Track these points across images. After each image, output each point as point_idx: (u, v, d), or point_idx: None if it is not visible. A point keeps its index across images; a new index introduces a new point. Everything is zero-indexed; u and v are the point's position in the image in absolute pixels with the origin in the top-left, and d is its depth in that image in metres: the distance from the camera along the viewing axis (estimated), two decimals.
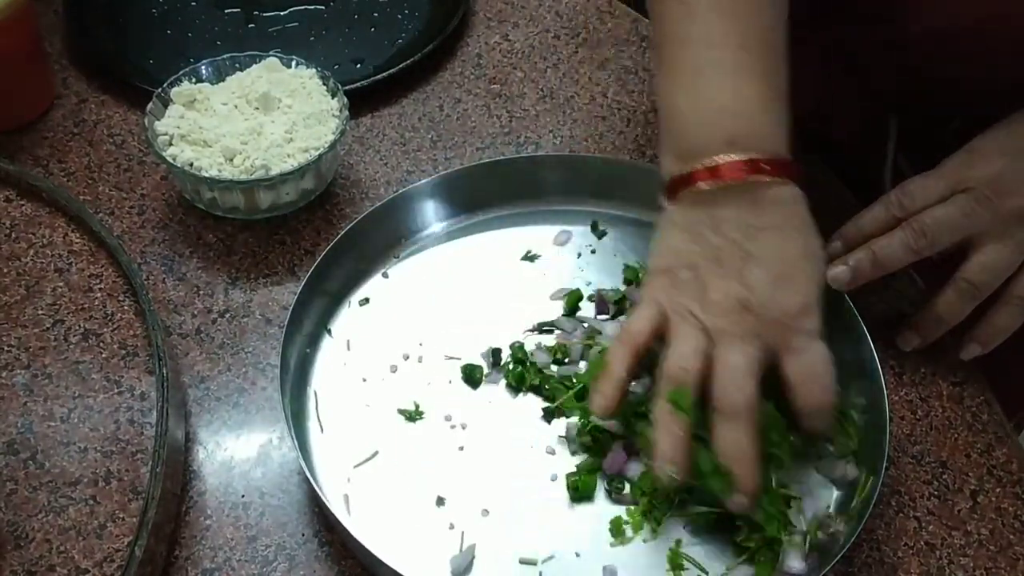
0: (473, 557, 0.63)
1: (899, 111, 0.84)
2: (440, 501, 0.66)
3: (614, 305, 0.75)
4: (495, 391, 0.72)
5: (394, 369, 0.72)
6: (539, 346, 0.73)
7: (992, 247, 0.69)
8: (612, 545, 0.65)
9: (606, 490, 0.67)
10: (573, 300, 0.75)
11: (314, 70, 0.84)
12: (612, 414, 0.65)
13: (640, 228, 0.80)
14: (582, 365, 0.72)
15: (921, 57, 0.75)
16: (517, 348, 0.72)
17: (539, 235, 0.81)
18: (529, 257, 0.79)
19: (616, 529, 0.65)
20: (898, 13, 0.73)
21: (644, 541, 0.65)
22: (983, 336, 0.72)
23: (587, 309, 0.76)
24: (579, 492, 0.66)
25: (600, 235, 0.80)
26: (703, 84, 0.66)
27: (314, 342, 0.73)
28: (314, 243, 0.81)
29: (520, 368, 0.71)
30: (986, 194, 0.68)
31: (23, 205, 0.82)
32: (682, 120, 0.66)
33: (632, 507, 0.66)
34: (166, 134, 0.79)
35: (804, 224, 0.64)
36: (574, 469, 0.67)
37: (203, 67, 0.84)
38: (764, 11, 0.66)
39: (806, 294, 0.63)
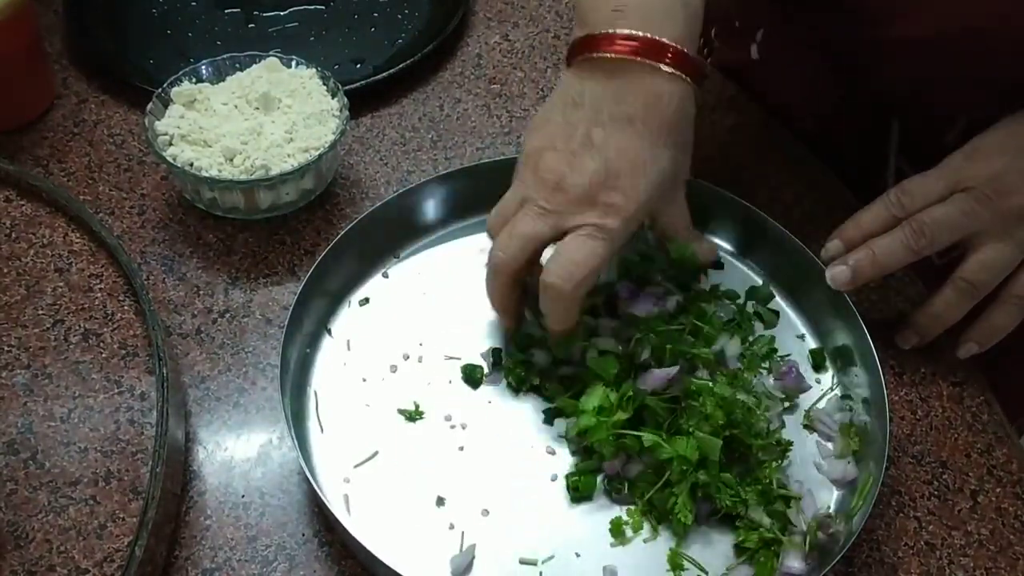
0: (473, 557, 0.64)
1: (900, 114, 0.84)
2: (440, 501, 0.66)
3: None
4: (495, 391, 0.72)
5: (394, 369, 0.72)
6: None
7: (991, 246, 0.69)
8: (612, 545, 0.65)
9: (606, 490, 0.67)
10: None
11: (314, 70, 0.84)
12: (508, 312, 0.70)
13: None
14: None
15: (922, 58, 0.75)
16: (518, 349, 0.72)
17: None
18: None
19: (616, 529, 0.65)
20: (899, 14, 0.73)
21: (644, 541, 0.65)
22: (980, 335, 0.72)
23: None
24: (579, 492, 0.66)
25: None
26: None
27: (314, 342, 0.73)
28: (314, 243, 0.81)
29: (520, 368, 0.71)
30: (986, 193, 0.68)
31: (23, 205, 0.82)
32: None
33: (632, 507, 0.66)
34: (166, 134, 0.79)
35: (662, 127, 0.63)
36: (573, 469, 0.67)
37: (203, 67, 0.84)
38: None
39: (620, 197, 0.63)
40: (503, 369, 0.72)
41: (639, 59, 0.62)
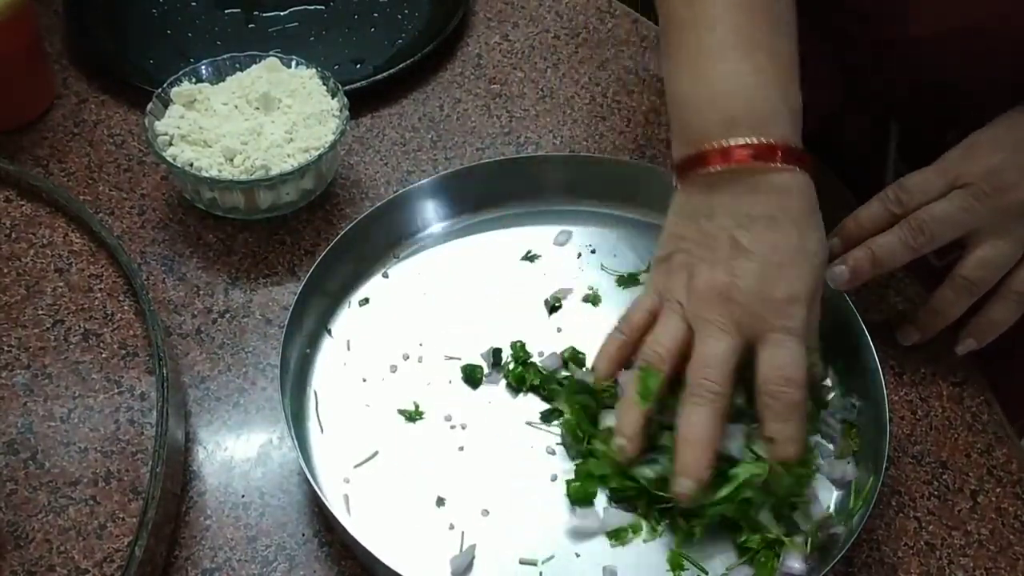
0: (473, 557, 0.63)
1: (900, 115, 0.84)
2: (440, 501, 0.66)
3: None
4: (495, 391, 0.72)
5: (394, 369, 0.72)
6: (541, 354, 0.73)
7: (990, 243, 0.69)
8: (612, 545, 0.65)
9: (607, 496, 0.66)
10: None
11: (314, 70, 0.84)
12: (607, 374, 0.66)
13: (641, 228, 0.80)
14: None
15: (921, 59, 0.75)
16: (519, 348, 0.72)
17: (539, 235, 0.81)
18: (529, 257, 0.79)
19: (616, 529, 0.65)
20: (898, 15, 0.73)
21: (644, 541, 0.65)
22: (979, 331, 0.72)
23: (584, 310, 0.76)
24: (579, 498, 0.66)
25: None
26: (704, 67, 0.65)
27: (314, 342, 0.73)
28: (314, 243, 0.81)
29: (520, 368, 0.71)
30: (984, 189, 0.68)
31: (23, 205, 0.82)
32: (683, 104, 0.66)
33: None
34: (166, 134, 0.79)
35: (803, 216, 0.63)
36: (573, 473, 0.67)
37: (203, 67, 0.84)
38: None
39: (791, 289, 0.62)
40: (503, 369, 0.72)
41: (757, 164, 0.62)
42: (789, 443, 0.61)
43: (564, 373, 0.72)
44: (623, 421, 0.64)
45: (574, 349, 0.72)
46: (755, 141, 0.62)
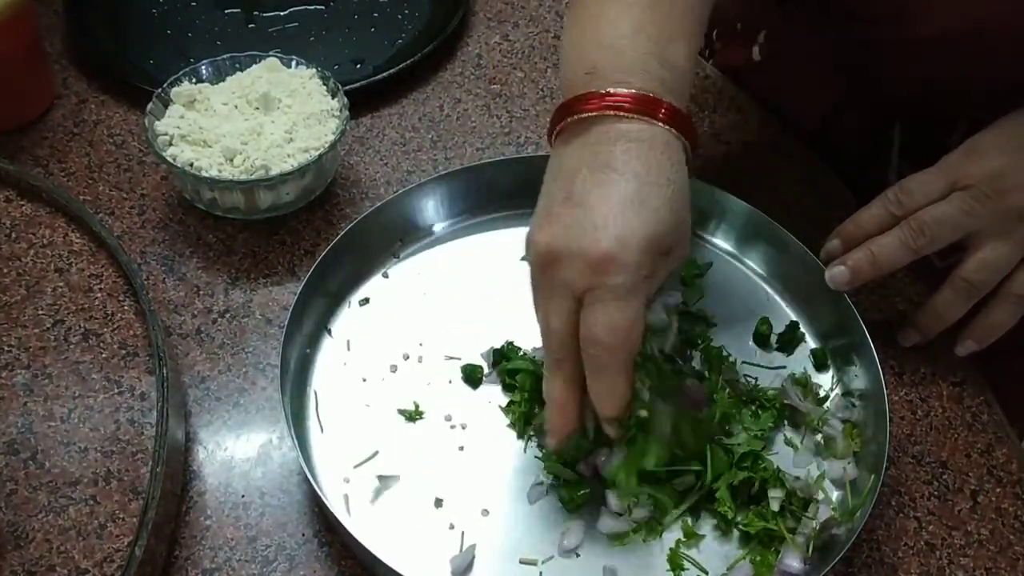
0: (473, 557, 0.63)
1: (902, 115, 0.84)
2: (440, 501, 0.66)
3: None
4: (495, 391, 0.72)
5: (394, 369, 0.72)
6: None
7: (991, 245, 0.69)
8: (612, 545, 0.65)
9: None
10: None
11: (314, 70, 0.84)
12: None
13: None
14: None
15: (923, 60, 0.75)
16: (508, 347, 0.72)
17: None
18: None
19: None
20: (901, 16, 0.73)
21: (644, 541, 0.65)
22: (979, 332, 0.72)
23: None
24: (573, 502, 0.66)
25: None
26: (583, 21, 0.62)
27: (314, 342, 0.73)
28: (314, 243, 0.81)
29: (508, 364, 0.71)
30: (985, 192, 0.68)
31: (23, 205, 0.82)
32: (562, 61, 0.64)
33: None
34: (166, 134, 0.79)
35: (650, 168, 0.57)
36: (560, 483, 0.67)
37: (203, 67, 0.84)
38: None
39: (613, 243, 0.56)
40: (502, 371, 0.72)
41: (607, 112, 0.58)
42: (603, 399, 0.59)
43: None
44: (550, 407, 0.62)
45: None
46: (609, 90, 0.59)
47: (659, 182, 0.58)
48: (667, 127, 0.59)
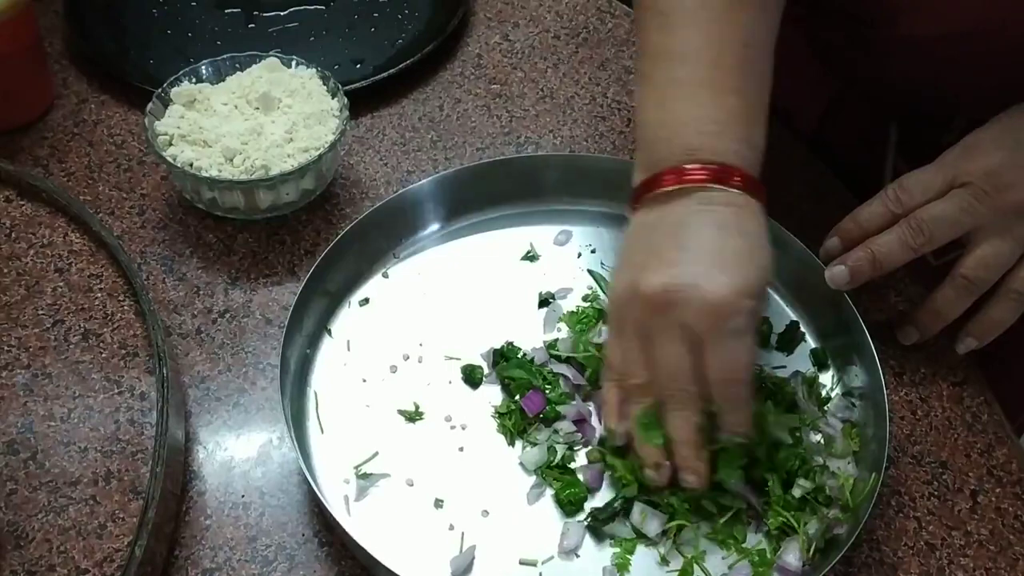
0: (473, 558, 0.63)
1: (899, 114, 0.84)
2: (440, 502, 0.66)
3: None
4: (495, 391, 0.72)
5: (394, 369, 0.72)
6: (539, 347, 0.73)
7: (990, 242, 0.69)
8: (612, 545, 0.65)
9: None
10: None
11: (314, 70, 0.84)
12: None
13: None
14: None
15: (920, 59, 0.75)
16: (508, 348, 0.72)
17: (539, 235, 0.81)
18: (529, 257, 0.79)
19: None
20: (898, 16, 0.73)
21: (645, 545, 0.65)
22: (979, 330, 0.72)
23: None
24: (572, 506, 0.66)
25: None
26: (671, 99, 0.65)
27: (314, 342, 0.73)
28: (314, 243, 0.81)
29: (506, 364, 0.71)
30: (984, 189, 0.68)
31: (23, 205, 0.82)
32: (649, 133, 0.66)
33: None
34: (166, 134, 0.79)
35: (752, 231, 0.62)
36: (559, 486, 0.67)
37: (203, 67, 0.84)
38: (742, 27, 0.65)
39: (735, 286, 0.59)
40: (501, 373, 0.72)
41: (711, 183, 0.62)
42: (741, 425, 0.63)
43: (555, 369, 0.71)
44: (643, 455, 0.65)
45: (556, 341, 0.73)
46: (713, 164, 0.62)
47: (760, 243, 0.62)
48: (756, 198, 0.63)
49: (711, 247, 0.61)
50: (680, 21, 0.65)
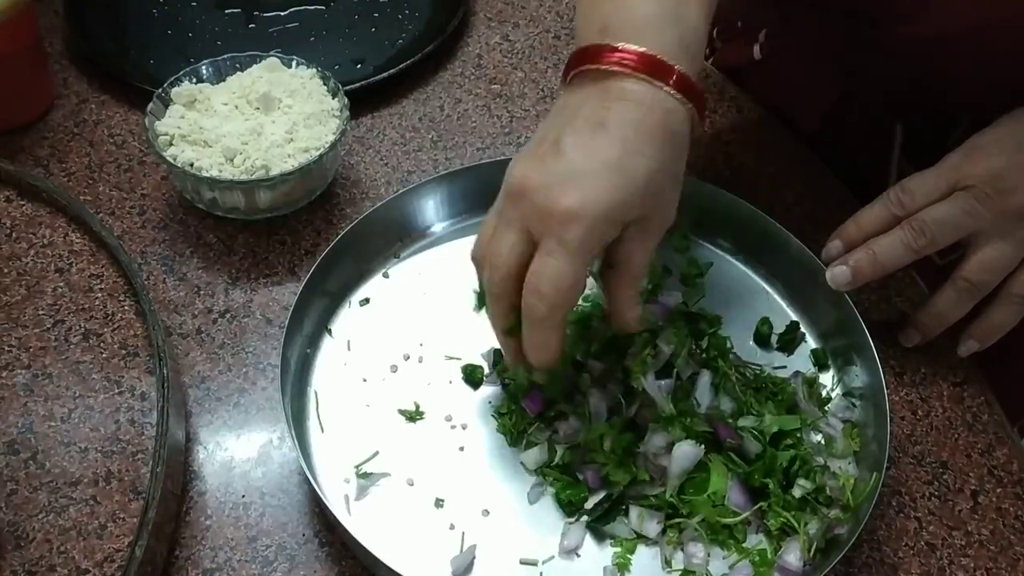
0: (474, 558, 0.63)
1: (903, 115, 0.84)
2: (440, 502, 0.66)
3: None
4: (495, 391, 0.72)
5: (394, 369, 0.72)
6: None
7: (992, 245, 0.69)
8: (612, 545, 0.65)
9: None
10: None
11: (314, 70, 0.84)
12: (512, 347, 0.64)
13: None
14: None
15: (924, 59, 0.75)
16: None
17: None
18: None
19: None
20: (901, 15, 0.73)
21: (646, 546, 0.64)
22: (980, 332, 0.72)
23: None
24: (572, 506, 0.66)
25: None
26: None
27: (314, 342, 0.73)
28: (314, 243, 0.81)
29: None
30: (986, 192, 0.68)
31: (23, 205, 0.82)
32: (577, 10, 0.64)
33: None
34: (166, 134, 0.79)
35: (639, 132, 0.57)
36: (558, 487, 0.66)
37: (203, 67, 0.84)
38: None
39: (579, 200, 0.56)
40: (502, 372, 0.72)
41: (612, 67, 0.58)
42: (534, 349, 0.60)
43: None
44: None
45: None
46: (620, 46, 0.58)
47: (644, 152, 0.58)
48: (673, 92, 0.58)
49: (588, 150, 0.57)
50: None
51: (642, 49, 0.58)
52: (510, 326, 0.62)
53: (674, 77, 0.58)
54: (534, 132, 0.63)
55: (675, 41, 0.59)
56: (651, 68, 0.58)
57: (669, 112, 0.58)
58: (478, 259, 0.63)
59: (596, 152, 0.57)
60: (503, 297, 0.61)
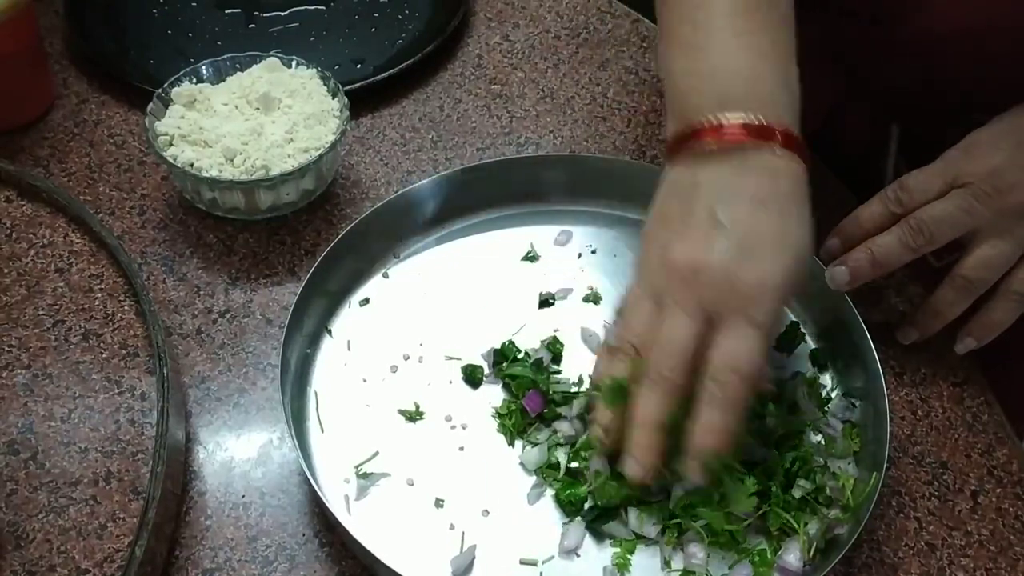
0: (474, 558, 0.63)
1: (901, 114, 0.84)
2: (440, 502, 0.66)
3: None
4: (496, 391, 0.72)
5: (394, 369, 0.72)
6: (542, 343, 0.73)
7: (990, 243, 0.69)
8: (612, 545, 0.65)
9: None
10: None
11: (314, 70, 0.84)
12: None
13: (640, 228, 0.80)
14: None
15: (923, 59, 0.75)
16: (508, 347, 0.72)
17: (539, 235, 0.81)
18: (529, 257, 0.79)
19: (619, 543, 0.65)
20: (900, 15, 0.73)
21: (646, 546, 0.65)
22: (978, 330, 0.72)
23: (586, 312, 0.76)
24: (572, 506, 0.65)
25: None
26: (702, 43, 0.63)
27: (314, 342, 0.73)
28: (314, 243, 0.81)
29: (507, 365, 0.71)
30: (985, 189, 0.68)
31: (23, 205, 0.82)
32: (679, 80, 0.64)
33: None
34: (167, 134, 0.79)
35: (791, 203, 0.60)
36: (558, 487, 0.66)
37: (203, 67, 0.84)
38: None
39: (763, 275, 0.58)
40: (501, 372, 0.72)
41: (750, 141, 0.59)
42: (713, 433, 0.58)
43: (553, 367, 0.72)
44: (598, 413, 0.62)
45: (555, 339, 0.73)
46: (751, 119, 0.60)
47: (797, 221, 0.59)
48: (800, 161, 0.60)
49: (749, 224, 0.58)
50: None
51: (771, 122, 0.59)
52: (670, 417, 0.59)
53: (794, 142, 0.60)
54: (652, 208, 0.63)
55: (791, 107, 0.61)
56: (786, 141, 0.59)
57: (800, 174, 0.60)
58: (630, 346, 0.61)
59: (762, 225, 0.58)
60: (674, 384, 0.58)
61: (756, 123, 0.59)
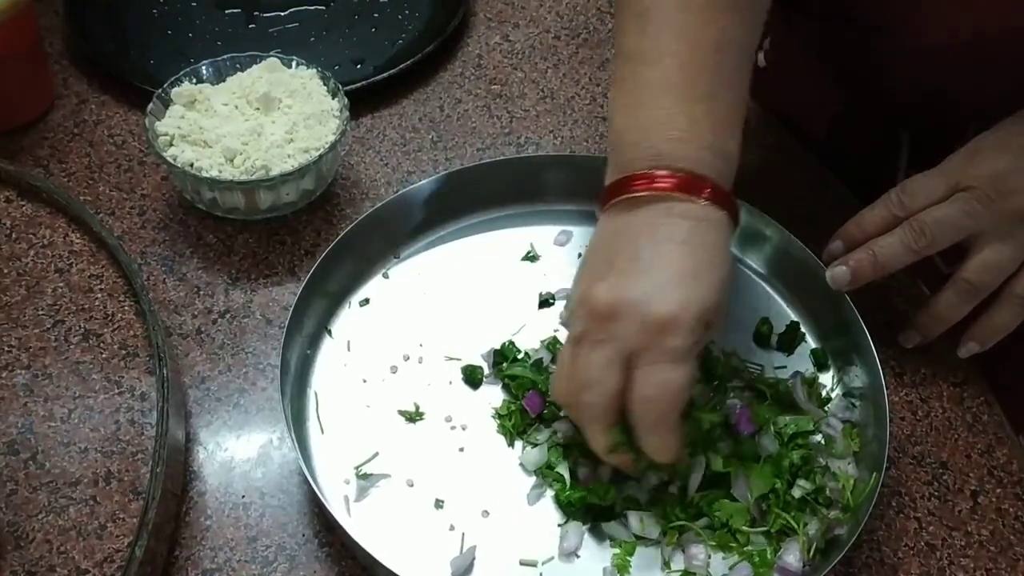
0: (473, 558, 0.63)
1: (910, 124, 0.84)
2: (440, 502, 0.66)
3: None
4: (495, 392, 0.72)
5: (394, 370, 0.72)
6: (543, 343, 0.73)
7: (993, 247, 0.69)
8: (612, 546, 0.64)
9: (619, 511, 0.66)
10: None
11: (314, 70, 0.84)
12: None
13: None
14: None
15: (930, 67, 0.75)
16: (508, 347, 0.72)
17: (539, 235, 0.81)
18: (529, 257, 0.79)
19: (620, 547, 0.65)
20: (907, 24, 0.73)
21: (645, 546, 0.64)
22: (981, 334, 0.72)
23: None
24: (572, 507, 0.65)
25: None
26: (641, 102, 0.64)
27: (314, 343, 0.73)
28: (314, 243, 0.81)
29: (508, 366, 0.71)
30: (987, 193, 0.68)
31: (23, 205, 0.82)
32: (618, 135, 0.65)
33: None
34: (167, 134, 0.79)
35: (712, 249, 0.61)
36: (559, 488, 0.66)
37: (204, 67, 0.84)
38: (718, 30, 0.63)
39: (674, 307, 0.59)
40: (501, 373, 0.72)
41: (678, 193, 0.61)
42: (657, 452, 0.61)
43: (553, 368, 0.71)
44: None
45: (555, 339, 0.73)
46: (682, 172, 0.61)
47: (714, 262, 0.61)
48: (724, 211, 0.62)
49: (667, 263, 0.60)
50: (655, 23, 0.64)
51: (700, 174, 0.61)
52: (615, 443, 0.62)
53: (723, 197, 0.62)
54: (584, 253, 0.65)
55: (723, 169, 0.63)
56: (714, 194, 0.61)
57: (723, 227, 0.62)
58: (564, 394, 0.63)
59: (675, 264, 0.60)
60: (604, 417, 0.61)
61: (685, 175, 0.61)
